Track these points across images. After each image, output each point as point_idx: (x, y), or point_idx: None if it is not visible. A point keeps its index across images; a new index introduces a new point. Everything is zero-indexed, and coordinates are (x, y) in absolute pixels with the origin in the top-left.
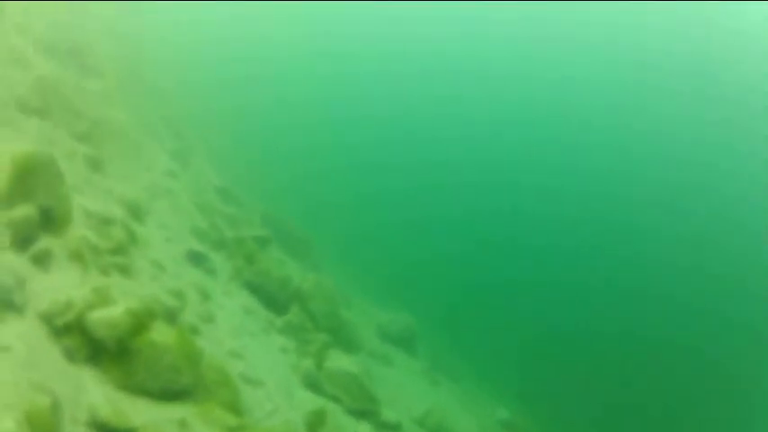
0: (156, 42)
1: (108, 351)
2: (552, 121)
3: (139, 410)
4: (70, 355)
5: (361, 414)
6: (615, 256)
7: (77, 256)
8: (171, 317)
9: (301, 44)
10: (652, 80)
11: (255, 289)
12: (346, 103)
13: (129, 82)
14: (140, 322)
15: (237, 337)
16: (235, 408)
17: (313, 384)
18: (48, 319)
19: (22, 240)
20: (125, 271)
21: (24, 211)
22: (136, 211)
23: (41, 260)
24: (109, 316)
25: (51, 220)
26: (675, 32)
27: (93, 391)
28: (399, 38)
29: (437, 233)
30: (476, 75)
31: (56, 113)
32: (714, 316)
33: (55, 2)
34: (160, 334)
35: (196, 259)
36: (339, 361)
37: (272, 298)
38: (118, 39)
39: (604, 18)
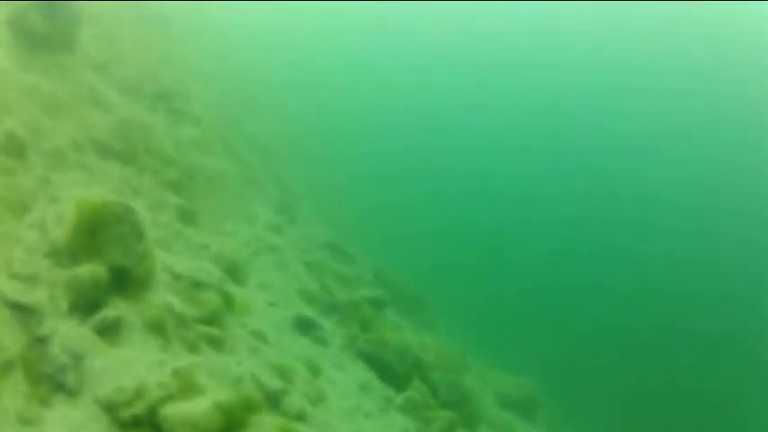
0: (255, 87)
1: None
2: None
3: None
4: None
5: None
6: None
7: (157, 328)
8: (274, 402)
9: (421, 90)
10: (685, 83)
11: (371, 360)
12: (466, 153)
13: (225, 129)
14: (234, 419)
15: (352, 419)
16: None
17: None
18: (109, 407)
19: (86, 305)
20: (218, 344)
21: (91, 269)
22: (234, 271)
23: (109, 331)
24: (192, 411)
25: (126, 282)
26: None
27: None
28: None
29: (553, 293)
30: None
31: (141, 159)
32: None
33: (137, 44)
34: (259, 430)
35: (305, 327)
36: None
37: (390, 370)
38: (209, 82)
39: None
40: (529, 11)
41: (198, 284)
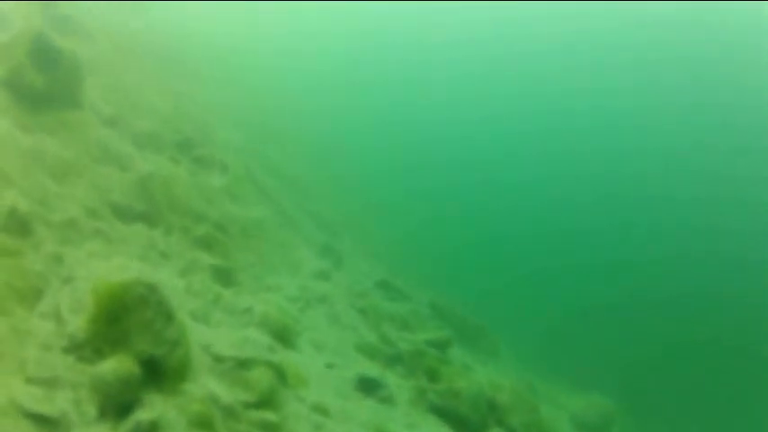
0: (277, 116)
1: None
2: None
3: None
4: None
5: None
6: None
7: (203, 424)
8: None
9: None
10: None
11: (443, 412)
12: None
13: (253, 168)
14: None
15: None
16: None
17: None
18: None
19: (117, 407)
20: (275, 431)
21: (117, 364)
22: (284, 335)
23: None
24: None
25: (160, 374)
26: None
27: None
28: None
29: (616, 303)
30: None
31: (167, 217)
32: None
33: (148, 90)
34: None
35: (368, 387)
36: None
37: (466, 420)
38: (232, 119)
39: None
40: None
41: (244, 362)
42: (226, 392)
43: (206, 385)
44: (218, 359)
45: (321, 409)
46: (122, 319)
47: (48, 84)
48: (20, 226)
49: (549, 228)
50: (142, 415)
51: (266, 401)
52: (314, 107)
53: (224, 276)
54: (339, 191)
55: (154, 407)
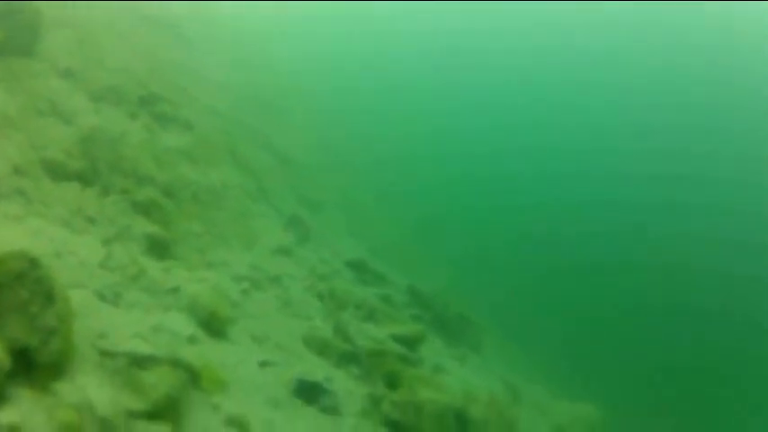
0: (280, 95)
1: None
2: None
3: None
4: None
5: None
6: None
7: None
8: None
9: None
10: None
11: (400, 428)
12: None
13: (235, 137)
14: None
15: None
16: None
17: None
18: None
19: None
20: None
21: None
22: (212, 322)
23: None
24: None
25: (32, 367)
26: None
27: None
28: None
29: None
30: None
31: (106, 178)
32: None
33: (126, 48)
34: None
35: (310, 393)
36: None
37: None
38: (222, 90)
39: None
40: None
41: (141, 360)
42: (108, 398)
43: (84, 387)
44: (109, 354)
45: (238, 422)
46: None
47: (4, 35)
48: None
49: (559, 220)
50: (3, 417)
51: (162, 411)
52: (327, 87)
53: (159, 248)
54: (335, 171)
55: (20, 408)
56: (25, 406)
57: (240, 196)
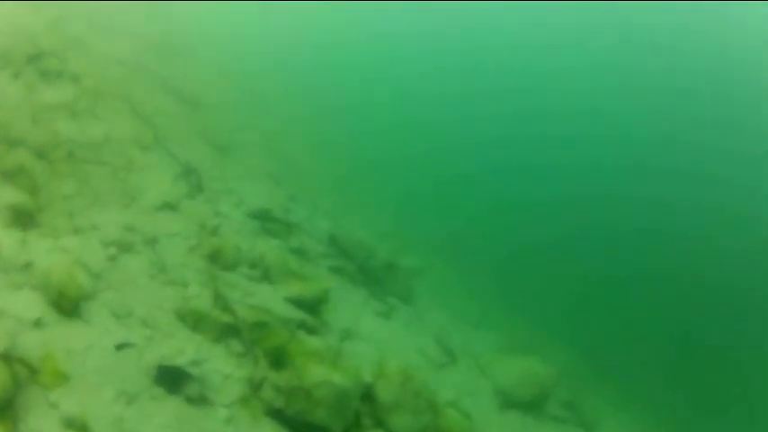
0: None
1: None
2: None
3: None
4: None
5: None
6: None
7: None
8: None
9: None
10: None
11: (288, 419)
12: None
13: (133, 87)
14: None
15: None
16: None
17: None
18: None
19: None
20: None
21: None
22: (63, 302)
23: None
24: None
25: None
26: None
27: None
28: None
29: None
30: None
31: None
32: None
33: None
34: None
35: (174, 379)
36: None
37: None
38: (125, 38)
39: None
40: None
41: None
42: None
43: None
44: None
45: (78, 423)
46: None
47: None
48: None
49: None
50: None
51: None
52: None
53: (21, 217)
54: (254, 108)
55: None
56: None
57: (127, 148)
